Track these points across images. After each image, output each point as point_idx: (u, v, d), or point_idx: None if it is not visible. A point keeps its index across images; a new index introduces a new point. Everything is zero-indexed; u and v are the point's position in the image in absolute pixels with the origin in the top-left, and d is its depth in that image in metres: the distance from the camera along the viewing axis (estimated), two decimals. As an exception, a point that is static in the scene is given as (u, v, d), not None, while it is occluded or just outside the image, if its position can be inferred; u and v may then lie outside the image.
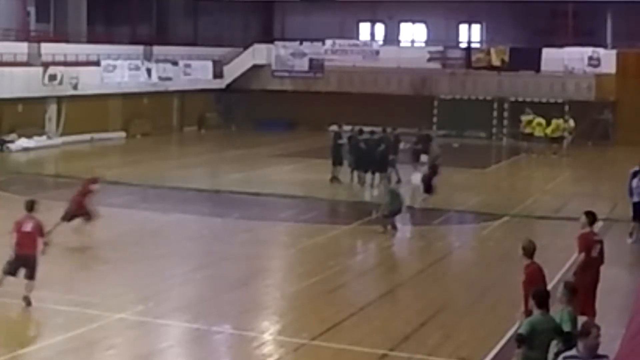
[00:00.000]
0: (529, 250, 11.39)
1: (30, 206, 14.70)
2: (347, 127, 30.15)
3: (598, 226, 21.09)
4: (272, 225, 21.95)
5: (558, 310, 9.67)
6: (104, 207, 23.28)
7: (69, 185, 27.20)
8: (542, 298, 9.55)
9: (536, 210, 24.05)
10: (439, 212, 23.48)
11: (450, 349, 12.65)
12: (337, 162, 27.96)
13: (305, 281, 16.26)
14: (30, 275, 14.13)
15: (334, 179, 27.65)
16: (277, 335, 13.28)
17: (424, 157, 28.40)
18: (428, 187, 23.72)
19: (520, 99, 42.24)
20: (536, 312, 9.51)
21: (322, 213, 23.97)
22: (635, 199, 19.94)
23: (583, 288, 12.28)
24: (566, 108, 40.50)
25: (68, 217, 18.87)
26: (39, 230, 14.46)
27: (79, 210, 19.04)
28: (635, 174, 20.40)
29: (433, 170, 24.21)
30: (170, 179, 27.76)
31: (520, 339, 9.35)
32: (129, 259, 17.63)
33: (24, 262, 14.23)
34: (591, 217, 13.09)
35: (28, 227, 14.41)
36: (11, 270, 14.22)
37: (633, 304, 12.21)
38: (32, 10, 41.00)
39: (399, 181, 26.67)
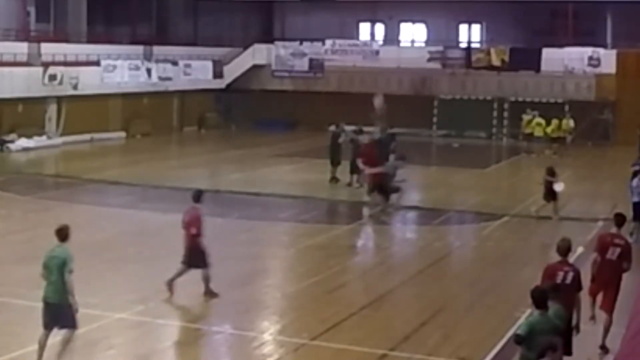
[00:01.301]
0: (561, 249, 11.34)
1: (197, 196, 15.09)
2: (348, 127, 30.07)
3: (598, 226, 21.32)
4: (272, 225, 21.94)
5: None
6: (104, 207, 23.36)
7: (68, 185, 27.27)
8: (539, 298, 9.53)
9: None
10: (439, 212, 23.49)
11: (450, 349, 12.65)
12: (336, 162, 27.97)
13: (305, 281, 16.26)
14: (197, 265, 14.69)
15: (334, 179, 27.66)
16: (277, 335, 13.28)
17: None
18: (551, 193, 22.58)
19: (520, 99, 42.30)
20: (535, 313, 9.50)
21: (322, 213, 23.96)
22: (635, 199, 19.95)
23: (600, 288, 12.63)
24: (566, 108, 40.53)
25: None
26: (195, 221, 14.79)
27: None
28: (635, 173, 20.43)
29: (551, 174, 22.90)
30: (170, 179, 27.74)
31: (518, 340, 9.34)
32: (129, 259, 17.63)
33: (189, 253, 14.77)
34: (618, 219, 13.19)
35: (187, 217, 14.91)
36: (185, 261, 14.82)
37: (633, 304, 12.22)
38: (32, 10, 41.01)
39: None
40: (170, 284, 14.65)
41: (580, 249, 18.55)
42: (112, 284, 15.53)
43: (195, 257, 14.73)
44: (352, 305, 14.76)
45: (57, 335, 11.37)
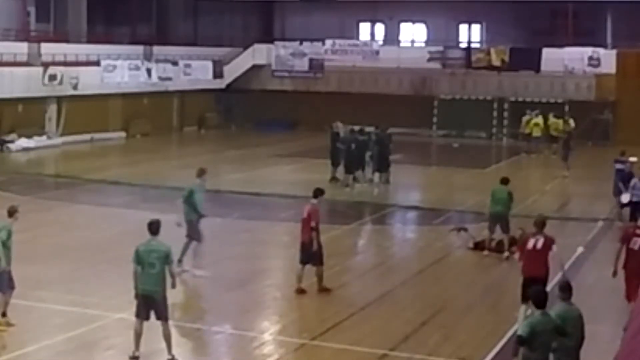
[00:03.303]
0: (537, 223, 12.46)
1: (317, 194, 15.40)
2: (345, 127, 29.99)
3: (598, 226, 21.33)
4: (272, 225, 21.93)
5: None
6: (104, 207, 23.36)
7: (69, 185, 27.27)
8: (538, 298, 9.53)
9: (536, 210, 23.93)
10: (439, 212, 23.48)
11: (450, 349, 12.66)
12: (335, 162, 27.96)
13: (305, 281, 16.25)
14: (311, 262, 15.02)
15: (334, 179, 27.67)
16: (277, 335, 13.29)
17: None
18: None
19: (520, 99, 42.31)
20: (536, 313, 9.49)
21: (322, 213, 23.89)
22: (635, 199, 20.00)
23: (630, 276, 13.07)
24: (566, 108, 40.52)
25: None
26: (314, 215, 14.97)
27: None
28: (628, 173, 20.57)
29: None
30: (170, 179, 27.71)
31: (519, 341, 9.33)
32: (129, 259, 17.52)
33: (305, 249, 15.02)
34: None
35: (305, 213, 15.06)
36: (302, 259, 15.15)
37: (633, 304, 12.22)
38: (32, 10, 41.00)
39: (371, 181, 27.63)
40: (300, 284, 15.16)
41: (580, 249, 18.59)
42: (112, 284, 15.52)
43: (309, 252, 14.96)
44: (352, 305, 14.76)
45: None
